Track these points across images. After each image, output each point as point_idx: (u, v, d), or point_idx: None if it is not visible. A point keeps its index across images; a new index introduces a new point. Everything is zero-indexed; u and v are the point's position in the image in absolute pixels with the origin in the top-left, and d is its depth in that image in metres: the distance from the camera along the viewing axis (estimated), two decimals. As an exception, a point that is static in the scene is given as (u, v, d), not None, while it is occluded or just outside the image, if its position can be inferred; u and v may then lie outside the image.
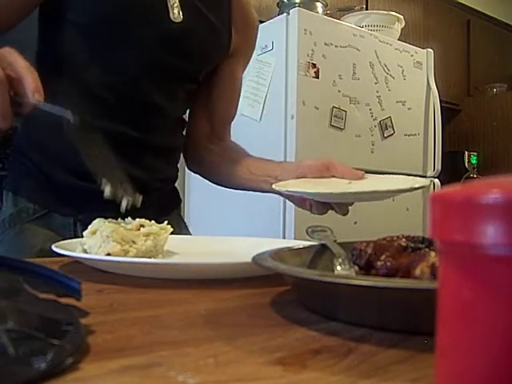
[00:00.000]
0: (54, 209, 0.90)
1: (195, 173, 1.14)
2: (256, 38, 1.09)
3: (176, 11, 0.91)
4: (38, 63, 0.87)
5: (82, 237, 0.65)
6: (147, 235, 0.63)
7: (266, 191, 0.96)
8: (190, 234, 1.08)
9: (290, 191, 0.78)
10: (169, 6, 0.90)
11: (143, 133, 0.94)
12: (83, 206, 0.89)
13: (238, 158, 1.05)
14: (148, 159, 0.96)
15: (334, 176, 0.83)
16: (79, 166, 0.77)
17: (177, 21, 0.90)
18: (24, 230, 0.89)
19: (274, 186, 0.80)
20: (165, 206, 1.02)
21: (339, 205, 0.81)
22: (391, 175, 0.82)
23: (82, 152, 0.66)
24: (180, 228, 1.04)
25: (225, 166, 1.06)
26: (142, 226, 0.65)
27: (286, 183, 0.81)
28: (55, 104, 0.65)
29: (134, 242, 0.61)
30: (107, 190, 0.61)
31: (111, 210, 0.78)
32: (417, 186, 0.75)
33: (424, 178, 0.82)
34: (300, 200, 0.85)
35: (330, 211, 0.82)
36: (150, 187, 0.95)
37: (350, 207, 0.82)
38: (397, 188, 0.74)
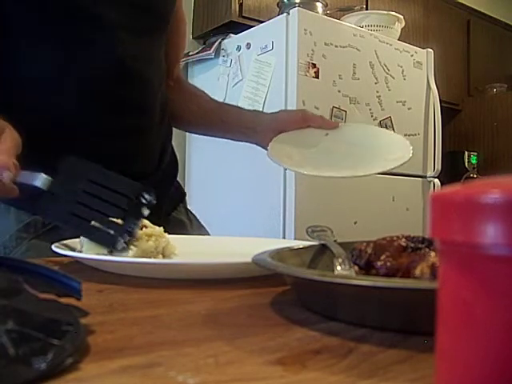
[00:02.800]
0: None
1: None
2: None
3: None
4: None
5: None
6: (149, 236, 0.63)
7: (238, 140, 0.99)
8: (204, 227, 1.05)
9: (288, 168, 0.85)
10: None
11: (136, 117, 0.88)
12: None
13: (204, 101, 1.04)
14: (144, 146, 0.90)
15: (309, 126, 0.88)
16: None
17: None
18: (33, 246, 0.82)
19: (269, 156, 0.84)
20: (171, 200, 0.97)
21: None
22: (363, 126, 0.94)
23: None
24: (191, 221, 1.01)
25: (188, 112, 1.04)
26: (144, 226, 0.65)
27: (277, 148, 0.86)
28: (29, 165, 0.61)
29: (136, 240, 0.61)
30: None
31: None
32: (401, 162, 0.81)
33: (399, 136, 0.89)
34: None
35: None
36: (156, 180, 0.90)
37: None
38: (399, 163, 0.81)
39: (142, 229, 0.64)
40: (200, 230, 1.03)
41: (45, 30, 0.79)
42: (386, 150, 0.85)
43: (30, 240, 0.82)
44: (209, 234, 1.04)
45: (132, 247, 0.60)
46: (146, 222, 0.66)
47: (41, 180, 0.62)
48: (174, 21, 0.96)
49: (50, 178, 0.62)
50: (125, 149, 0.86)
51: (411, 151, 0.84)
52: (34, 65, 0.80)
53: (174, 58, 1.02)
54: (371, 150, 0.84)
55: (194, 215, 1.05)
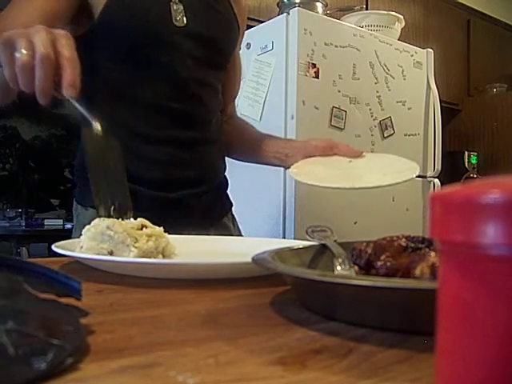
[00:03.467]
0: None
1: None
2: (245, 14, 1.21)
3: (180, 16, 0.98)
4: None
5: None
6: (150, 236, 0.63)
7: (273, 165, 1.12)
8: (240, 232, 1.18)
9: (302, 183, 0.90)
10: (172, 11, 0.97)
11: (197, 130, 1.02)
12: (166, 217, 0.92)
13: (248, 134, 1.20)
14: (204, 156, 1.04)
15: (336, 154, 0.98)
16: (155, 180, 0.96)
17: (180, 25, 0.97)
18: None
19: (290, 174, 0.94)
20: (213, 211, 1.09)
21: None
22: (387, 156, 1.00)
23: (87, 160, 0.67)
24: (234, 227, 1.15)
25: (237, 142, 1.18)
26: (145, 226, 0.65)
27: (298, 170, 0.95)
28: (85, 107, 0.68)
29: (136, 240, 0.61)
30: (101, 211, 0.65)
31: (185, 217, 0.97)
32: (413, 176, 0.88)
33: (415, 164, 0.95)
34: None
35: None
36: (202, 188, 1.04)
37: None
38: (396, 182, 0.86)
39: (142, 229, 0.64)
40: (239, 233, 1.17)
41: (126, 50, 0.94)
42: (394, 170, 0.92)
43: None
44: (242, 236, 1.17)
45: (132, 248, 0.60)
46: (146, 222, 0.66)
47: (96, 126, 0.67)
48: (231, 66, 1.14)
49: (100, 130, 0.67)
50: (182, 156, 1.00)
51: (414, 174, 0.90)
52: (112, 79, 0.96)
53: (229, 97, 1.19)
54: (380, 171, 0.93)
55: (236, 222, 1.18)
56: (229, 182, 1.17)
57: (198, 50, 1.00)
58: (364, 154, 0.97)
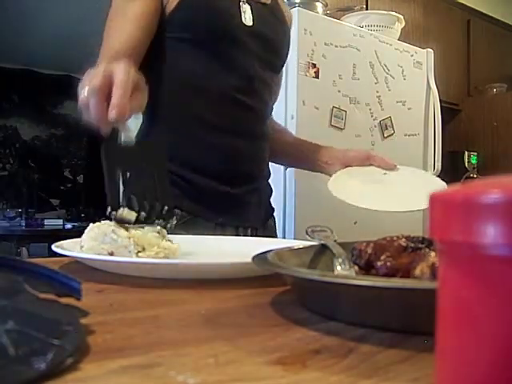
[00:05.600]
0: (198, 214, 1.01)
1: None
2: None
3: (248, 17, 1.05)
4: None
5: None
6: (163, 249, 0.63)
7: (313, 171, 1.19)
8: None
9: (338, 198, 0.95)
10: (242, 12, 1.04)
11: (257, 125, 1.09)
12: (223, 209, 1.03)
13: (289, 138, 1.28)
14: (261, 151, 1.11)
15: (371, 164, 1.06)
16: (220, 172, 1.02)
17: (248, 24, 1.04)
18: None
19: (330, 188, 1.00)
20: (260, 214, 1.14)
21: None
22: (418, 171, 1.13)
23: (115, 173, 0.68)
24: (275, 228, 1.21)
25: (277, 145, 1.22)
26: (164, 238, 0.65)
27: (336, 184, 1.03)
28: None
29: (143, 249, 0.61)
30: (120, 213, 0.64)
31: (246, 212, 1.06)
32: None
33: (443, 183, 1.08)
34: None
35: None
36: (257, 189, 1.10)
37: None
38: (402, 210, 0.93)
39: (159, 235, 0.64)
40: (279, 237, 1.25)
41: (201, 43, 1.01)
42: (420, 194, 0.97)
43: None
44: None
45: (134, 256, 0.60)
46: (165, 232, 0.66)
47: (126, 137, 0.68)
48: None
49: (132, 141, 0.69)
50: (246, 149, 1.06)
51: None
52: (186, 68, 1.03)
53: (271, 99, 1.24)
54: (412, 192, 0.99)
55: (276, 225, 1.24)
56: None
57: (262, 50, 1.07)
58: (398, 167, 1.08)
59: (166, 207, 0.68)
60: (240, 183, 1.06)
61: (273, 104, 1.25)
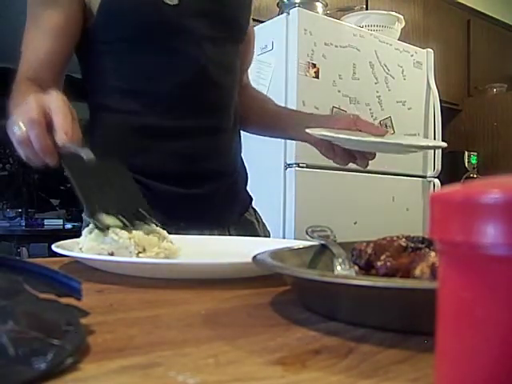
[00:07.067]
0: (156, 221, 0.94)
1: None
2: None
3: None
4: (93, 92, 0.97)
5: None
6: (164, 250, 0.63)
7: (294, 139, 1.13)
8: (266, 226, 1.14)
9: (322, 135, 0.85)
10: None
11: (217, 118, 0.99)
12: (184, 214, 0.94)
13: (267, 105, 1.15)
14: (223, 145, 1.01)
15: (359, 130, 0.91)
16: (176, 175, 0.94)
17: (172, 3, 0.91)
18: None
19: (307, 130, 0.86)
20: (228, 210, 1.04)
21: (362, 157, 0.92)
22: (410, 136, 1.00)
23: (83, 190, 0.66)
24: (258, 221, 1.10)
25: (254, 113, 1.14)
26: (165, 239, 0.65)
27: (319, 129, 0.89)
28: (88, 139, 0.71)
29: (144, 250, 0.61)
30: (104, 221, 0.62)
31: (210, 213, 0.97)
32: (437, 145, 0.92)
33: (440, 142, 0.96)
34: (327, 147, 0.92)
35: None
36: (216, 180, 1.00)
37: (370, 159, 0.93)
38: (419, 144, 0.88)
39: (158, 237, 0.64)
40: (264, 228, 1.13)
41: (136, 41, 0.91)
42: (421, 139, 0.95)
43: None
44: (269, 232, 1.14)
45: (134, 257, 0.60)
46: (165, 233, 0.66)
47: (86, 154, 0.65)
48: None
49: (93, 157, 0.66)
50: (204, 147, 0.97)
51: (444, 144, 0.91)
52: (124, 72, 0.93)
53: (243, 67, 1.13)
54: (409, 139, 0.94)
55: (259, 215, 1.13)
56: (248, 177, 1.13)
57: (210, 29, 0.94)
58: (388, 134, 0.94)
59: (142, 209, 0.67)
60: (201, 184, 0.97)
61: (246, 68, 1.16)
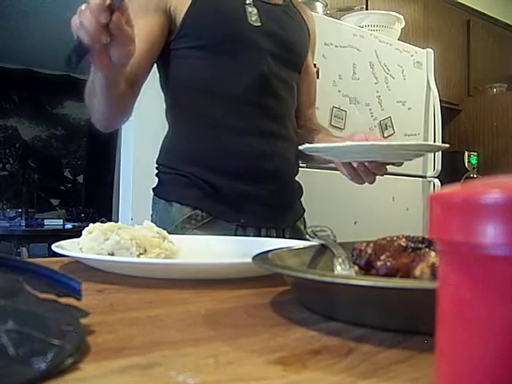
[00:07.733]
0: (218, 215, 1.02)
1: None
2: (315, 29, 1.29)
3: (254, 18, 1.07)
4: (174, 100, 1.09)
5: None
6: (165, 251, 0.63)
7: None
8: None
9: (306, 148, 0.86)
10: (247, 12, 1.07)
11: (276, 124, 1.08)
12: (245, 210, 1.03)
13: (316, 135, 1.21)
14: (281, 150, 1.09)
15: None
16: (239, 172, 1.03)
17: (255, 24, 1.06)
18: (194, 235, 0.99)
19: (299, 148, 0.89)
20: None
21: (379, 169, 0.97)
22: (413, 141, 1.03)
23: None
24: (305, 229, 1.15)
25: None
26: (165, 238, 0.65)
27: (308, 144, 0.90)
28: None
29: (145, 250, 0.61)
30: None
31: (269, 213, 1.06)
32: (438, 145, 0.91)
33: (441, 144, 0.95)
34: (347, 169, 0.96)
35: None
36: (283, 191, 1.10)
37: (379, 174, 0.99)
38: (410, 143, 0.91)
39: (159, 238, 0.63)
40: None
41: (210, 50, 1.04)
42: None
43: (193, 230, 1.01)
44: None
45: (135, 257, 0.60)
46: (166, 233, 0.66)
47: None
48: (306, 73, 1.23)
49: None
50: (262, 147, 1.05)
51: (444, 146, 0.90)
52: (199, 75, 1.05)
53: (306, 103, 1.26)
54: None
55: (307, 226, 1.20)
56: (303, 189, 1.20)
57: (275, 48, 1.08)
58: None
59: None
60: (261, 183, 1.05)
61: (311, 104, 1.27)
